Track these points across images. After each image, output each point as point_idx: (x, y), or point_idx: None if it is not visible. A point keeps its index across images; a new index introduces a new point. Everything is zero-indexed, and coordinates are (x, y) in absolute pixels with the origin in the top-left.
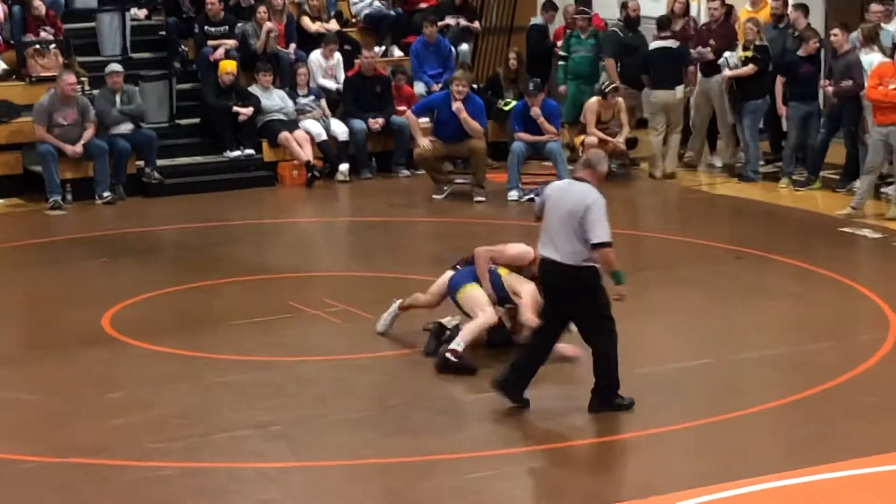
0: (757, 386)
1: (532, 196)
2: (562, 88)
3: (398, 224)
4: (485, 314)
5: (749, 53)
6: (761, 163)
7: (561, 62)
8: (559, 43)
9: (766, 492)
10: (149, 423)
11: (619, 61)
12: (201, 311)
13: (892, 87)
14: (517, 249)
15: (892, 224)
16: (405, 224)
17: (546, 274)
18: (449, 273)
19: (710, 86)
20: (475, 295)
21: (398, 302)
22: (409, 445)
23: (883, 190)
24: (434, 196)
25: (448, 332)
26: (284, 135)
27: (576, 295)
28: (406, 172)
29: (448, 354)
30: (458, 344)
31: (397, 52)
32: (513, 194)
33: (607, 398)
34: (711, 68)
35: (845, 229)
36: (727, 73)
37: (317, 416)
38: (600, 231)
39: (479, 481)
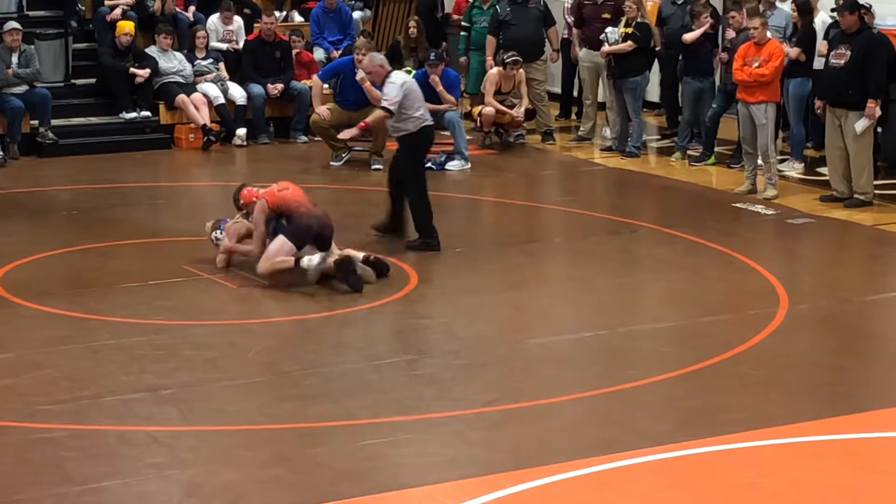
0: (648, 358)
1: (430, 165)
2: (462, 60)
3: None
4: None
5: (629, 30)
6: (656, 137)
7: (463, 33)
8: (455, 16)
9: (654, 463)
10: (37, 385)
11: (499, 36)
12: (94, 273)
13: (755, 65)
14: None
15: (787, 201)
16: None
17: None
18: None
19: (597, 60)
20: None
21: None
22: (300, 411)
23: (780, 168)
24: (331, 163)
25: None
26: (181, 97)
27: None
28: (304, 138)
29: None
30: None
31: (298, 18)
32: None
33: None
34: (598, 43)
35: (738, 205)
36: (606, 48)
37: (208, 380)
38: None
39: (370, 448)
